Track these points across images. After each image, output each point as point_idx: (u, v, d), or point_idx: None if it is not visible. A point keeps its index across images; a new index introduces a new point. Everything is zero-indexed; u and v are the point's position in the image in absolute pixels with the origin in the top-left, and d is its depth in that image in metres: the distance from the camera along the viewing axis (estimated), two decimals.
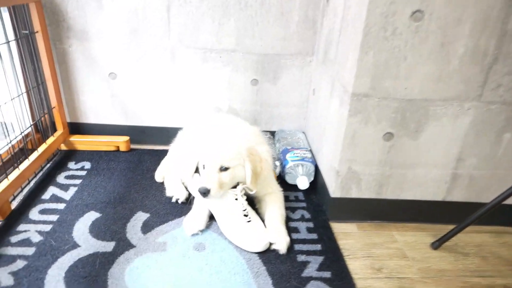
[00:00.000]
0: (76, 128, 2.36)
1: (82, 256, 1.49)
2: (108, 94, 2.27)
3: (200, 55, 2.19)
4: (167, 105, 2.33)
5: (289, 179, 2.05)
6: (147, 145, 2.41)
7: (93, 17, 2.06)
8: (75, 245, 1.55)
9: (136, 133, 2.38)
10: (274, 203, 1.78)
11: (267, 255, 1.57)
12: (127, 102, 2.30)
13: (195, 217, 1.69)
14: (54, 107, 2.14)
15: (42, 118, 2.13)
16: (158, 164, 2.12)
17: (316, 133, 2.16)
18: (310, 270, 1.50)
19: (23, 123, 2.01)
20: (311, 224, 1.79)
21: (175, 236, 1.65)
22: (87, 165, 2.15)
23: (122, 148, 2.29)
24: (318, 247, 1.64)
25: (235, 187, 1.67)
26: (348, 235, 1.76)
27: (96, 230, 1.64)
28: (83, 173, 2.07)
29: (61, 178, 2.01)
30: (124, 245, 1.57)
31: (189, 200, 1.85)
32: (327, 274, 1.49)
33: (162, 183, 2.02)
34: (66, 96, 2.27)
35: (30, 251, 1.50)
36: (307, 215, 1.86)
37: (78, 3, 2.03)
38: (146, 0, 2.04)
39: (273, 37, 2.17)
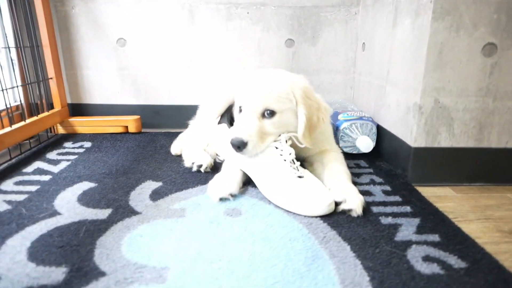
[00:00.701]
0: (78, 110, 1.98)
1: (61, 224, 1.02)
2: (115, 66, 1.91)
3: (224, 12, 1.84)
4: (185, 77, 1.94)
5: (344, 145, 1.55)
6: (161, 129, 1.99)
7: None
8: (54, 213, 1.08)
9: (149, 114, 1.98)
10: (333, 161, 1.29)
11: (334, 218, 1.06)
12: (138, 76, 1.93)
13: (225, 178, 1.21)
14: (51, 78, 1.77)
15: (37, 91, 1.76)
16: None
17: (373, 89, 1.70)
18: (406, 234, 0.98)
19: (11, 92, 1.63)
20: (387, 187, 1.27)
21: (197, 203, 1.15)
22: (87, 144, 1.72)
23: (132, 128, 1.87)
24: (406, 208, 1.12)
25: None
26: (443, 198, 1.23)
27: (87, 199, 1.18)
28: (81, 150, 1.64)
29: (52, 155, 1.58)
30: (124, 212, 1.09)
31: (213, 168, 1.38)
32: (433, 237, 0.96)
33: (180, 156, 1.56)
34: (67, 71, 1.92)
35: None
36: (378, 179, 1.35)
37: None
38: None
39: None
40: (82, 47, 1.88)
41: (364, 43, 1.81)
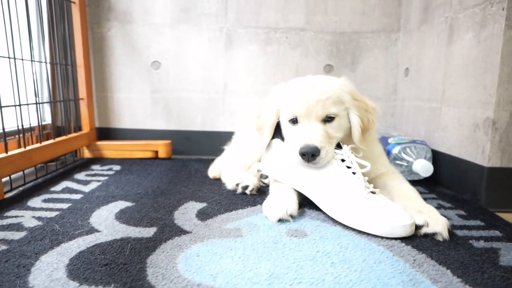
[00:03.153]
0: (105, 134, 1.88)
1: (101, 241, 0.89)
2: (148, 89, 1.84)
3: (262, 36, 1.81)
4: (220, 102, 1.86)
5: (399, 170, 1.43)
6: (192, 155, 1.88)
7: None
8: (91, 230, 0.94)
9: (180, 140, 1.88)
10: (398, 181, 1.16)
11: (416, 241, 0.91)
12: (170, 99, 1.85)
13: (281, 198, 1.07)
14: (82, 99, 1.70)
15: (66, 112, 1.67)
16: (208, 168, 1.55)
17: (423, 113, 1.60)
18: (510, 258, 0.81)
19: (41, 108, 1.55)
20: (461, 212, 1.13)
21: (252, 223, 1.01)
22: (116, 167, 1.60)
23: (162, 153, 1.76)
24: (495, 233, 0.98)
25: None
26: None
27: (127, 217, 1.04)
28: (110, 172, 1.52)
29: (80, 175, 1.46)
30: (171, 231, 0.95)
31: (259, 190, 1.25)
32: None
33: (219, 179, 1.43)
34: (98, 93, 1.85)
35: (17, 235, 0.90)
36: (446, 204, 1.20)
37: None
38: None
39: (350, 11, 1.79)
40: (115, 70, 1.83)
41: (407, 68, 1.75)
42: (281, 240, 0.91)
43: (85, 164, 1.63)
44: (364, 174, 1.18)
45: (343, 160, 1.05)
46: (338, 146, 1.09)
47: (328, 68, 1.84)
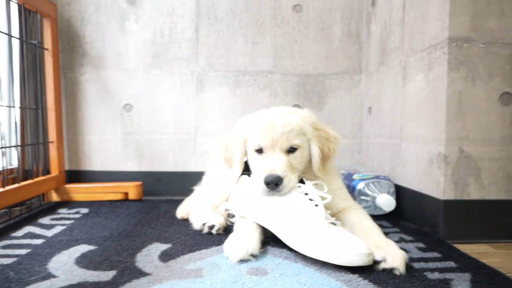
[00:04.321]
0: (76, 177, 1.87)
1: (57, 287, 0.85)
2: (120, 131, 1.87)
3: (232, 79, 1.89)
4: (191, 143, 1.90)
5: (363, 206, 1.46)
6: (164, 196, 1.87)
7: (112, 41, 1.84)
8: (48, 276, 0.93)
9: (151, 181, 1.88)
10: (359, 217, 1.19)
11: (373, 275, 0.93)
12: (142, 141, 1.88)
13: (242, 237, 1.08)
14: (51, 142, 1.71)
15: (34, 155, 1.67)
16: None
17: (386, 149, 1.67)
18: None
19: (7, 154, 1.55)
20: (420, 244, 1.16)
21: (214, 263, 1.02)
22: (84, 210, 1.58)
23: (132, 195, 1.76)
24: (450, 264, 1.01)
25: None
26: (485, 255, 1.11)
27: (87, 261, 1.03)
28: (77, 216, 1.50)
29: (44, 220, 1.44)
30: (131, 274, 0.94)
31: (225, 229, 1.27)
32: None
33: (186, 220, 1.43)
34: (69, 136, 1.86)
35: None
36: (407, 237, 1.23)
37: (98, 26, 1.83)
38: (174, 20, 1.85)
39: (314, 55, 1.90)
40: (87, 113, 1.86)
41: (370, 107, 1.84)
42: (240, 279, 0.91)
43: (52, 208, 1.61)
44: (326, 208, 1.21)
45: (306, 194, 1.08)
46: (302, 182, 1.13)
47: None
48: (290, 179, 1.07)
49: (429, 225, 1.29)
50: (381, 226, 1.37)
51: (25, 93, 1.60)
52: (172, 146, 1.89)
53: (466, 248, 1.16)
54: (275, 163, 1.09)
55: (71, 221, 1.42)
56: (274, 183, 1.05)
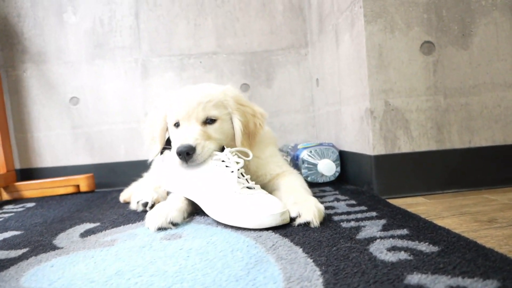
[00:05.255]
0: (29, 175, 1.85)
1: None
2: (68, 125, 1.85)
3: (177, 63, 1.87)
4: (141, 131, 1.88)
5: (306, 173, 1.45)
6: (118, 187, 1.85)
7: (52, 35, 1.82)
8: None
9: (105, 173, 1.86)
10: (289, 179, 1.18)
11: (288, 229, 0.91)
12: (91, 133, 1.86)
13: (164, 207, 1.06)
14: None
15: None
16: None
17: (331, 117, 1.65)
18: (369, 232, 0.85)
19: None
20: (352, 201, 1.14)
21: (133, 233, 1.00)
22: (30, 205, 1.56)
23: (84, 187, 1.74)
24: (372, 214, 0.99)
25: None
26: (415, 205, 1.10)
27: (5, 244, 1.00)
28: (20, 209, 1.48)
29: None
30: (43, 249, 0.93)
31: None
32: (401, 232, 0.82)
33: (129, 203, 1.41)
34: (17, 135, 1.84)
35: None
36: (343, 197, 1.22)
37: (36, 21, 1.81)
38: (112, 8, 1.83)
39: (258, 32, 1.89)
40: (33, 110, 1.84)
41: (317, 79, 1.82)
42: (150, 244, 0.89)
43: None
44: (257, 176, 1.20)
45: (223, 161, 1.06)
46: (223, 150, 1.11)
47: (244, 87, 1.90)
48: (204, 147, 1.05)
49: (366, 184, 1.27)
50: (323, 191, 1.36)
51: None
52: (122, 135, 1.87)
53: (399, 201, 1.14)
54: (188, 133, 1.07)
55: (11, 214, 1.40)
56: (185, 153, 1.03)
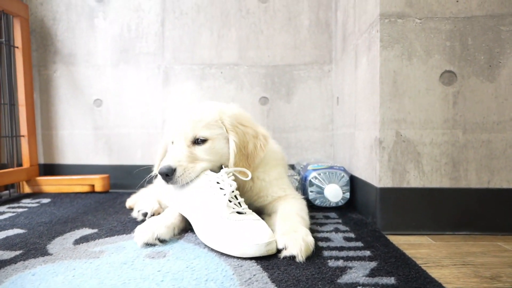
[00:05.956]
0: (51, 170, 1.94)
1: None
2: (90, 126, 1.92)
3: (198, 72, 1.88)
4: (159, 137, 1.91)
5: (313, 196, 1.40)
6: (132, 190, 1.89)
7: (83, 38, 1.90)
8: None
9: (121, 174, 1.91)
10: (288, 204, 1.14)
11: (272, 261, 0.87)
12: (111, 135, 1.91)
13: (154, 222, 1.06)
14: (23, 136, 1.78)
15: (7, 149, 1.75)
16: None
17: (346, 140, 1.59)
18: (353, 276, 0.79)
19: None
20: (351, 235, 1.08)
21: (122, 246, 1.01)
22: (45, 200, 1.63)
23: (98, 187, 1.79)
24: (365, 253, 0.93)
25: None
26: (417, 246, 1.02)
27: (5, 243, 1.04)
28: (35, 205, 1.55)
29: (1, 208, 1.49)
30: (34, 254, 0.96)
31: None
32: (387, 280, 0.76)
33: (132, 210, 1.43)
34: (43, 131, 1.93)
35: None
36: (344, 227, 1.16)
37: (69, 24, 1.89)
38: (140, 15, 1.88)
39: (282, 45, 1.86)
40: (60, 108, 1.92)
41: (338, 97, 1.77)
42: (132, 261, 0.89)
43: (18, 198, 1.67)
44: (258, 197, 1.17)
45: (218, 183, 1.04)
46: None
47: (263, 100, 1.88)
48: (187, 169, 1.03)
49: (371, 215, 1.21)
50: (327, 217, 1.31)
51: (0, 89, 1.69)
52: (140, 140, 1.91)
53: (401, 239, 1.07)
54: (173, 153, 1.06)
55: (24, 210, 1.46)
56: (164, 174, 1.02)
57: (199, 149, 1.08)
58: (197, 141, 1.08)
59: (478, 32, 1.09)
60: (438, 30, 1.10)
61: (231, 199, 1.00)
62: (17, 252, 0.96)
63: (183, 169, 1.03)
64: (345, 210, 1.38)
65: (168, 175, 1.01)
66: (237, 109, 1.18)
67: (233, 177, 1.06)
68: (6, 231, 1.17)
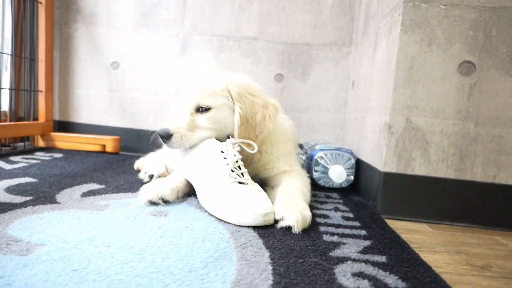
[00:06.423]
0: (65, 127, 1.99)
1: None
2: (106, 87, 1.94)
3: (216, 44, 1.88)
4: (171, 104, 1.93)
5: (317, 176, 1.41)
6: (142, 154, 1.93)
7: None
8: None
9: (131, 138, 1.94)
10: (291, 179, 1.15)
11: (269, 230, 0.90)
12: (125, 98, 1.94)
13: (160, 182, 1.09)
14: (40, 91, 1.82)
15: (25, 103, 1.79)
16: None
17: (357, 124, 1.59)
18: (346, 251, 0.81)
19: None
20: (349, 215, 1.10)
21: (126, 203, 1.04)
22: (58, 155, 1.68)
23: (109, 148, 1.83)
24: (361, 232, 0.94)
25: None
26: (414, 232, 1.03)
27: (17, 189, 1.09)
28: (47, 158, 1.60)
29: (16, 158, 1.55)
30: (43, 201, 1.00)
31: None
32: (378, 258, 0.78)
33: (139, 171, 1.47)
34: (60, 89, 1.97)
35: None
36: (343, 207, 1.17)
37: None
38: None
39: (302, 24, 1.84)
40: (78, 67, 1.95)
41: (353, 81, 1.75)
42: (135, 217, 0.93)
43: (32, 151, 1.73)
44: (265, 169, 1.19)
45: (222, 152, 1.06)
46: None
47: (278, 77, 1.87)
48: (184, 137, 1.06)
49: (372, 199, 1.22)
50: (328, 197, 1.33)
51: (15, 42, 1.72)
52: (153, 105, 1.93)
53: (399, 224, 1.08)
54: (175, 119, 1.09)
55: (37, 161, 1.51)
56: (161, 136, 1.06)
57: (201, 117, 1.09)
58: (200, 109, 1.09)
59: (504, 24, 1.06)
60: (463, 18, 1.07)
61: (234, 169, 1.02)
62: (28, 198, 1.01)
63: (179, 136, 1.05)
64: (348, 192, 1.40)
65: (164, 137, 1.04)
66: (247, 79, 1.18)
67: (238, 148, 1.08)
68: (18, 178, 1.22)
